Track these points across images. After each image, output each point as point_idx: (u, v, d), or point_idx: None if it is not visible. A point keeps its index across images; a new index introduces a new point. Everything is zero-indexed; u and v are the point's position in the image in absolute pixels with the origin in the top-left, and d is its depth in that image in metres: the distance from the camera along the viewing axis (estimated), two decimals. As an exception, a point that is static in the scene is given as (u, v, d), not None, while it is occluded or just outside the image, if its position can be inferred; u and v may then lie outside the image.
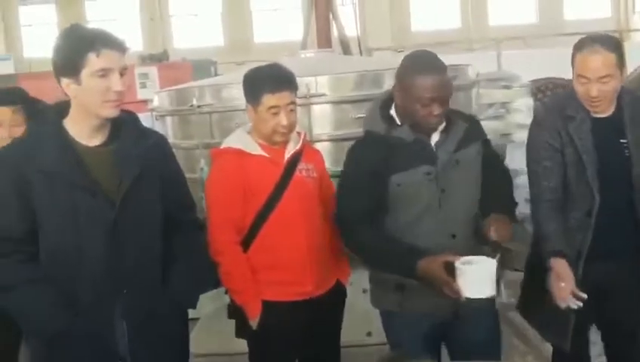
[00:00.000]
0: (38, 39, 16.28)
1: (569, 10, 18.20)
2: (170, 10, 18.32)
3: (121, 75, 2.07)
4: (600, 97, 2.45)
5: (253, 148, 2.62)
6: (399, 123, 2.42)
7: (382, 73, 3.73)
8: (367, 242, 2.40)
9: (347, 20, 5.74)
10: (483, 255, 2.26)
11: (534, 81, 7.46)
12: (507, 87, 6.04)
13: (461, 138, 2.42)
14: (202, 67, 7.89)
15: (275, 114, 2.56)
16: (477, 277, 2.17)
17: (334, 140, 3.65)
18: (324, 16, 5.19)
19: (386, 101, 2.49)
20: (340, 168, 2.55)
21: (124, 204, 2.12)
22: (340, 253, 2.74)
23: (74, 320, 2.10)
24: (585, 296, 2.39)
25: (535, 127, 2.63)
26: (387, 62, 4.26)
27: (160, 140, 2.36)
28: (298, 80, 2.65)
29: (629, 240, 2.56)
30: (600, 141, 2.51)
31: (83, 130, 2.14)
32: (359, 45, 6.10)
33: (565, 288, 2.39)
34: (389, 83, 2.49)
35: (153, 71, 7.58)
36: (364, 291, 2.72)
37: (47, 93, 2.68)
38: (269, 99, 2.55)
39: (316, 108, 3.70)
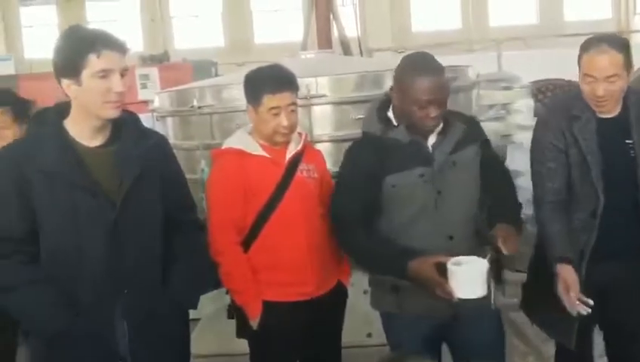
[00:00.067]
0: (39, 40, 16.24)
1: (569, 11, 18.16)
2: (170, 11, 18.29)
3: (122, 75, 2.07)
4: (606, 97, 2.44)
5: (254, 148, 2.62)
6: (396, 124, 2.41)
7: (382, 74, 3.73)
8: (359, 243, 2.40)
9: (347, 21, 5.75)
10: (483, 255, 2.25)
11: (535, 82, 7.43)
12: (507, 88, 6.02)
13: (459, 139, 2.41)
14: (203, 68, 7.87)
15: (276, 114, 2.56)
16: (468, 278, 2.17)
17: (335, 141, 3.65)
18: (325, 16, 5.20)
19: (384, 102, 2.49)
20: (340, 169, 2.55)
21: (124, 204, 2.12)
22: (341, 254, 2.73)
23: (74, 320, 2.10)
24: (591, 301, 2.39)
25: (540, 128, 2.63)
26: (387, 63, 4.25)
27: (160, 141, 2.36)
28: (298, 81, 2.65)
29: (633, 240, 2.56)
30: (605, 141, 2.51)
31: (83, 131, 2.14)
32: (360, 46, 6.11)
33: (574, 296, 2.40)
34: (389, 84, 2.49)
35: (154, 72, 7.56)
36: (365, 292, 2.71)
37: (47, 93, 2.68)
38: (269, 100, 2.55)
39: (317, 109, 3.69)
